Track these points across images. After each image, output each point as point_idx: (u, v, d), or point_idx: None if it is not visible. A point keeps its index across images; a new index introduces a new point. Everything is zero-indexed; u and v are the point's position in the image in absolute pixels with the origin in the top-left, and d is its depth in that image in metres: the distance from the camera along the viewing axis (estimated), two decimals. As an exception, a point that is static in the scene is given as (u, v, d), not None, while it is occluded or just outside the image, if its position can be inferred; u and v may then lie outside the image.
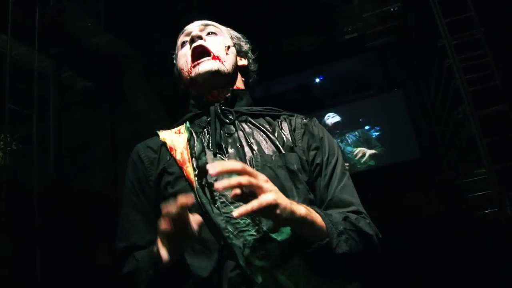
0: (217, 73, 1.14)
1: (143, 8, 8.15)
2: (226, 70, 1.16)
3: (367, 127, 7.18)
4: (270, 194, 0.82)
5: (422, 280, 5.85)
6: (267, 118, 1.15)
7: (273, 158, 1.03)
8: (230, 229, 0.93)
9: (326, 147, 1.12)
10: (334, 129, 7.18)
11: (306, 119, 1.18)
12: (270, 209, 0.82)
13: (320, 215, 0.94)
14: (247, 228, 0.94)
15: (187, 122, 1.17)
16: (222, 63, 1.15)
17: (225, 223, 0.94)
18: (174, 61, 1.28)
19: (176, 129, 1.17)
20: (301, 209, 0.89)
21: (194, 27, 1.22)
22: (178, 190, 1.01)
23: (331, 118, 7.35)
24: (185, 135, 1.10)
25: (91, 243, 4.39)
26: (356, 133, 7.13)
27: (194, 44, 1.15)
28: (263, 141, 1.07)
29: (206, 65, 1.13)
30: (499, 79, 3.97)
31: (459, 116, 4.35)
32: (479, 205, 4.66)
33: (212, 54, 1.14)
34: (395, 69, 7.43)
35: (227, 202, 0.96)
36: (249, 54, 1.29)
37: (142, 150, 1.14)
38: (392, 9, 7.88)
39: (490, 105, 4.07)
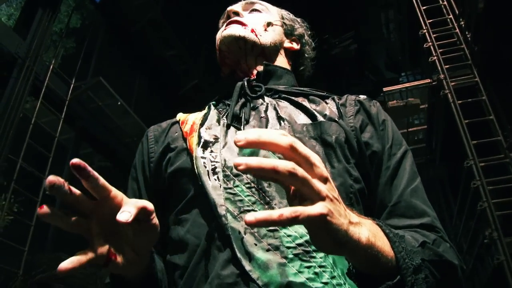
0: (242, 39, 0.93)
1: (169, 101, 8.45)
2: (256, 41, 0.94)
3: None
4: (322, 205, 0.47)
5: None
6: (311, 97, 0.90)
7: (305, 128, 0.78)
8: (229, 208, 0.68)
9: (389, 133, 0.82)
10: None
11: (361, 96, 0.90)
12: (313, 226, 0.48)
13: (388, 237, 0.60)
14: (252, 208, 0.68)
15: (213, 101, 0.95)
16: (256, 35, 0.95)
17: (224, 200, 0.69)
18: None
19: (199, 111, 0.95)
20: (363, 232, 0.54)
21: (237, 4, 1.04)
22: (177, 167, 0.79)
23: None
24: (204, 111, 0.91)
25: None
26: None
27: (228, 20, 0.98)
28: (298, 113, 0.83)
29: (230, 29, 0.94)
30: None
31: (485, 241, 4.08)
32: None
33: (245, 25, 0.95)
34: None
35: (231, 176, 0.71)
36: (305, 39, 1.07)
37: (152, 130, 0.94)
38: (416, 137, 8.02)
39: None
